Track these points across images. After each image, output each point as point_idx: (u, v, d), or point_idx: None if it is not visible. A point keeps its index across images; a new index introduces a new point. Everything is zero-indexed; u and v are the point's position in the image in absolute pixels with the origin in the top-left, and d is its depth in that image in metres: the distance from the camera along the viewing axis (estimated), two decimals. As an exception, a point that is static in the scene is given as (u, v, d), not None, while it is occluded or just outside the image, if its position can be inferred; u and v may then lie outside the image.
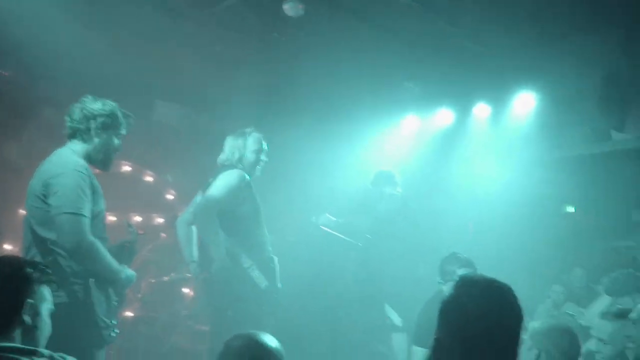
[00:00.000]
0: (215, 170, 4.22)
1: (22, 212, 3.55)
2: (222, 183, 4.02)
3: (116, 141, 3.30)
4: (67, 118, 3.20)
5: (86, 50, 5.35)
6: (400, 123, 7.52)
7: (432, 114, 7.33)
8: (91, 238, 2.98)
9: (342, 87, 6.58)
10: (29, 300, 2.09)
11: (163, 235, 6.83)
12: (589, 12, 5.40)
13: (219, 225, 3.96)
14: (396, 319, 5.57)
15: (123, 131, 3.31)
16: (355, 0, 5.30)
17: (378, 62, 6.30)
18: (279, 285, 4.09)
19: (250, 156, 4.21)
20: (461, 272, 3.80)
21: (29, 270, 2.13)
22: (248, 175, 4.15)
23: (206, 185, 4.18)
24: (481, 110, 7.10)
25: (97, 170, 3.31)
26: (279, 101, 6.47)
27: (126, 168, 6.71)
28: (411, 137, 7.46)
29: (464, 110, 7.19)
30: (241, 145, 4.20)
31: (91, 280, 3.03)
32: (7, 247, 5.69)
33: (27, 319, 2.07)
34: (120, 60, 5.59)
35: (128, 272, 3.27)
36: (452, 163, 7.24)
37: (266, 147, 4.29)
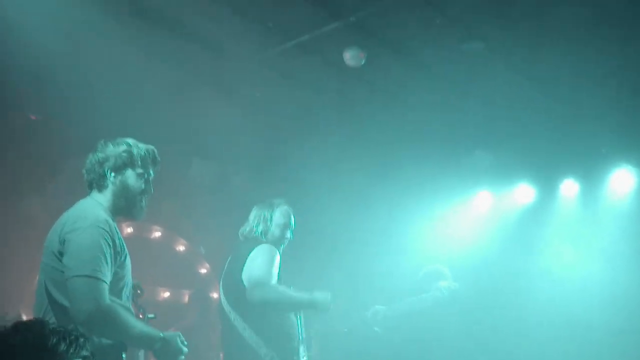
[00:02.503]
0: (236, 243, 3.80)
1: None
2: (264, 259, 3.54)
3: (136, 182, 2.84)
4: (83, 170, 2.91)
5: (121, 98, 4.95)
6: (470, 200, 6.81)
7: (509, 190, 6.64)
8: (108, 302, 2.52)
9: (402, 151, 5.83)
10: None
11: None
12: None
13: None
14: None
15: (144, 170, 2.86)
16: (416, 46, 4.62)
17: (445, 123, 5.51)
18: None
19: (275, 231, 3.77)
20: None
21: (53, 340, 1.66)
22: None
23: (225, 265, 3.76)
24: (568, 187, 6.35)
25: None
26: (327, 167, 5.72)
27: (156, 234, 6.14)
28: (483, 217, 6.72)
29: (547, 187, 6.45)
30: (267, 217, 3.79)
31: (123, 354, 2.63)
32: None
33: None
34: (157, 109, 5.12)
35: (167, 334, 2.68)
36: (533, 250, 6.34)
37: (294, 224, 3.87)
